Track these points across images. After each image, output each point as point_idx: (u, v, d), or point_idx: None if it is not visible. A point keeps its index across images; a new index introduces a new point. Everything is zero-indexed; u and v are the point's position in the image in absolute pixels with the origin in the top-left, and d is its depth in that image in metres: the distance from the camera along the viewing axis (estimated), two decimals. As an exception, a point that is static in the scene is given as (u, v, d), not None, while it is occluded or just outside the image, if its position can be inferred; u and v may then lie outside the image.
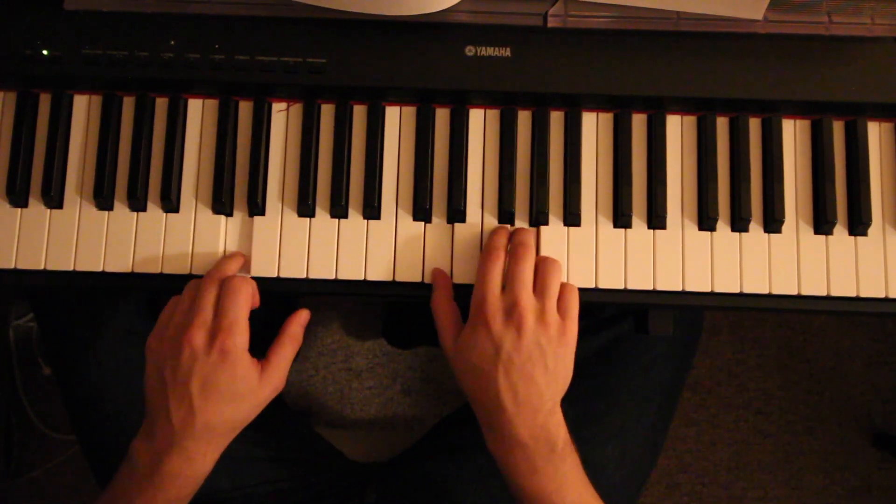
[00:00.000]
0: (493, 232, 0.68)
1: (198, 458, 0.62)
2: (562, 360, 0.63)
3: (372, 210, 0.69)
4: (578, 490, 0.64)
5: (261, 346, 0.65)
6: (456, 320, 0.66)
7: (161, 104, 0.71)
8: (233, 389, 0.61)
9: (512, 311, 0.61)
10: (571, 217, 0.69)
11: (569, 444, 0.64)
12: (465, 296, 0.67)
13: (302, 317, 0.68)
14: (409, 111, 0.71)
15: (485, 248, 0.66)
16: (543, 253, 0.69)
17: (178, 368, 0.60)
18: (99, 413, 0.78)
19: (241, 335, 0.61)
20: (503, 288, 0.64)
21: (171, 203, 0.69)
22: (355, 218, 0.70)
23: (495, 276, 0.64)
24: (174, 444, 0.61)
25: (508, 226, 0.69)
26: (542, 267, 0.64)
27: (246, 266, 0.69)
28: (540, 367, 0.61)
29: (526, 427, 0.62)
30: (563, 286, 0.65)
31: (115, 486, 0.63)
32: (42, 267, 0.69)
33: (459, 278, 0.69)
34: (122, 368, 0.78)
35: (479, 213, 0.70)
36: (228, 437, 0.64)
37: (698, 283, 0.69)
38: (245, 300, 0.62)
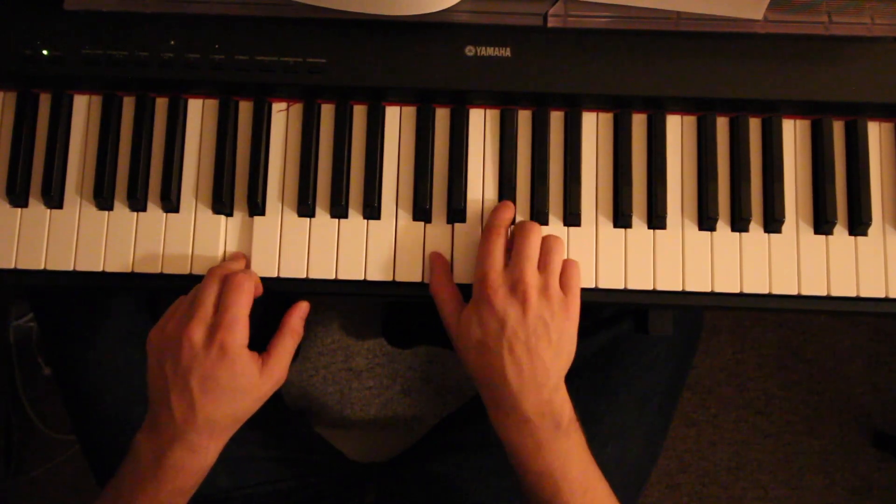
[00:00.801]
0: (496, 209, 0.68)
1: (201, 451, 0.62)
2: (566, 334, 0.63)
3: (372, 210, 0.69)
4: (583, 467, 0.64)
5: (260, 344, 0.65)
6: (457, 299, 0.66)
7: (161, 104, 0.71)
8: (233, 385, 0.61)
9: (516, 287, 0.61)
10: (571, 217, 0.69)
11: (574, 421, 0.64)
12: (465, 297, 0.67)
13: (302, 309, 0.68)
14: (409, 111, 0.71)
15: (487, 224, 0.66)
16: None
17: (179, 364, 0.61)
18: (99, 413, 0.78)
19: (240, 331, 0.62)
20: (505, 264, 0.64)
21: (171, 203, 0.69)
22: (355, 218, 0.70)
23: (497, 252, 0.64)
24: (177, 436, 0.61)
25: (510, 202, 0.69)
26: (546, 243, 0.64)
27: (246, 266, 0.69)
28: (544, 341, 0.61)
29: (531, 402, 0.61)
30: (564, 262, 0.65)
31: (118, 479, 0.63)
32: (42, 267, 0.69)
33: (460, 278, 0.69)
34: (121, 368, 0.78)
35: (479, 213, 0.70)
36: (231, 430, 0.64)
37: (698, 283, 0.69)
38: (247, 297, 0.62)
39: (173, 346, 0.61)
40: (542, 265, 0.63)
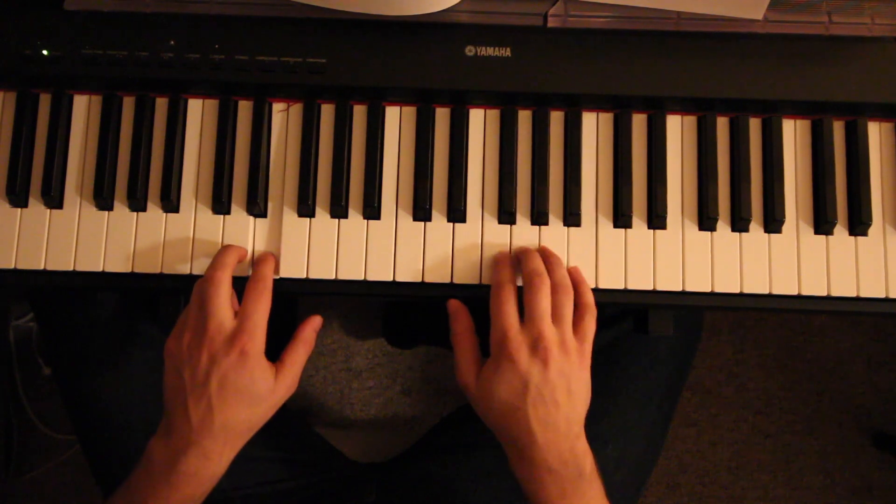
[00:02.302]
0: (498, 265, 0.67)
1: (214, 458, 0.62)
2: (582, 382, 0.64)
3: (372, 210, 0.69)
4: None
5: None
6: (477, 356, 0.66)
7: (161, 104, 0.71)
8: (251, 390, 0.62)
9: (537, 346, 0.62)
10: (571, 217, 0.69)
11: (595, 470, 0.65)
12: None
13: (315, 322, 0.69)
14: (409, 111, 0.71)
15: (493, 283, 0.66)
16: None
17: (198, 369, 0.61)
18: (99, 413, 0.78)
19: (260, 338, 0.63)
20: (519, 317, 0.64)
21: (171, 203, 0.69)
22: (355, 218, 0.70)
23: (511, 309, 0.64)
24: (192, 442, 0.61)
25: (508, 253, 0.69)
26: (556, 298, 0.65)
27: (244, 264, 0.69)
28: (564, 393, 0.62)
29: (555, 453, 0.62)
30: (583, 310, 0.66)
31: (130, 485, 0.64)
32: (42, 267, 0.69)
33: (460, 278, 0.69)
34: (121, 368, 0.78)
35: (479, 213, 0.70)
36: (244, 438, 0.65)
37: (698, 283, 0.69)
38: (267, 306, 0.64)
39: (192, 353, 0.62)
40: (556, 318, 0.64)
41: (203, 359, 0.61)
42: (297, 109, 0.71)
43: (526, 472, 0.64)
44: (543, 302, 0.63)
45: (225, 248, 0.68)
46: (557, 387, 0.62)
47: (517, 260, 0.68)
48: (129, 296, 0.80)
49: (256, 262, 0.68)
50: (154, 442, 0.63)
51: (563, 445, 0.63)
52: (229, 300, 0.64)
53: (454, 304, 0.68)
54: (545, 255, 0.68)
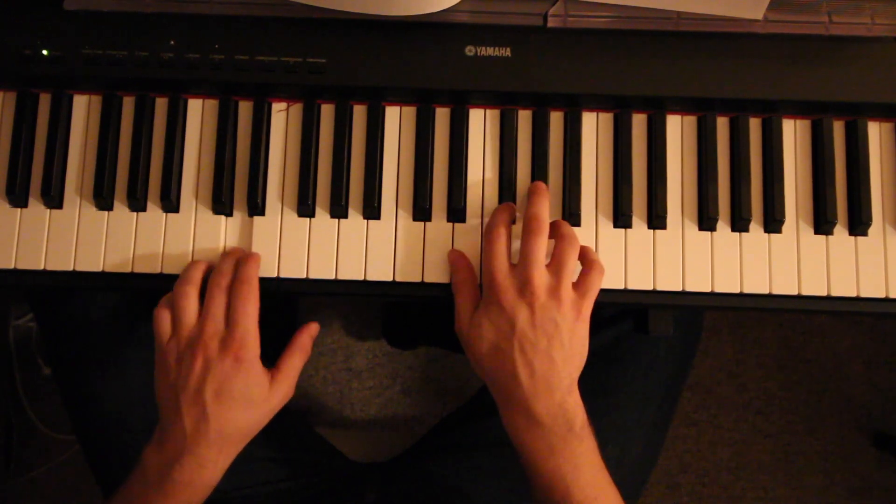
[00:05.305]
0: (497, 209, 0.67)
1: (209, 466, 0.62)
2: (577, 336, 0.63)
3: (372, 210, 0.69)
4: (594, 472, 0.64)
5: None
6: (475, 301, 0.65)
7: (161, 104, 0.71)
8: (246, 396, 0.62)
9: (524, 288, 0.61)
10: (571, 217, 0.69)
11: (586, 426, 0.64)
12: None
13: (312, 329, 0.69)
14: (409, 111, 0.71)
15: (486, 227, 0.66)
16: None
17: (191, 377, 0.61)
18: (99, 413, 0.78)
19: (253, 343, 0.63)
20: (512, 265, 0.64)
21: (171, 203, 0.69)
22: (355, 218, 0.70)
23: (501, 252, 0.64)
24: (186, 450, 0.61)
25: (511, 203, 0.69)
26: (559, 245, 0.64)
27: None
28: (556, 342, 0.61)
29: (543, 405, 0.61)
30: (590, 266, 0.65)
31: (124, 493, 0.64)
32: (42, 267, 0.69)
33: (459, 278, 0.69)
34: (121, 368, 0.78)
35: (479, 213, 0.70)
36: (240, 445, 0.65)
37: (698, 283, 0.69)
38: (255, 308, 0.63)
39: (186, 361, 0.62)
40: (554, 267, 0.63)
41: (197, 366, 0.61)
42: (297, 109, 0.71)
43: (514, 423, 0.63)
44: (537, 246, 0.63)
45: (234, 251, 0.67)
46: (546, 333, 0.61)
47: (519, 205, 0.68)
48: (129, 296, 0.80)
49: (239, 263, 0.67)
50: (148, 450, 0.63)
51: (553, 398, 0.61)
52: (224, 305, 0.63)
53: (454, 254, 0.67)
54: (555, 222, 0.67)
